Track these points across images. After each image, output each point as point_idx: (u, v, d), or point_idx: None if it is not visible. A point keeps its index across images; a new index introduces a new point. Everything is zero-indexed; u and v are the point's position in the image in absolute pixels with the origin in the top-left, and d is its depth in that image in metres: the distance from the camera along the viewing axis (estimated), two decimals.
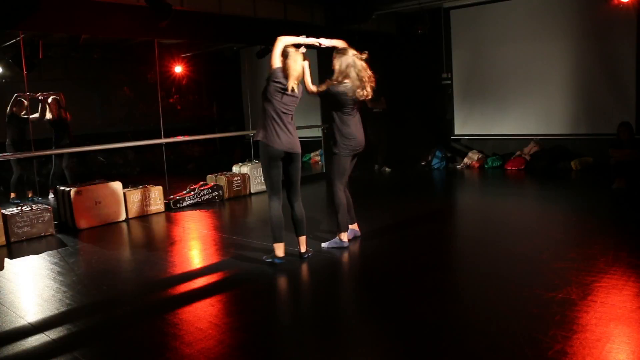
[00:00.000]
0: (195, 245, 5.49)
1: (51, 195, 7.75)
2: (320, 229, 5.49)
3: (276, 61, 4.24)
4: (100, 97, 11.43)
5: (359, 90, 4.54)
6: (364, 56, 4.57)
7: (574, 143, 8.98)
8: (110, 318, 3.56)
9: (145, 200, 6.83)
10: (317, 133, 9.74)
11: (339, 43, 4.67)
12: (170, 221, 6.56)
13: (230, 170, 8.31)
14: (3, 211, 5.75)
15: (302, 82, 4.41)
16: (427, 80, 10.45)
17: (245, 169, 8.20)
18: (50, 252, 5.28)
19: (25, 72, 6.40)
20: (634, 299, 3.32)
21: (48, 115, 7.83)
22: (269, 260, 4.46)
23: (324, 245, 4.85)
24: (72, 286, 4.18)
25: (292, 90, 4.24)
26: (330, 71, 4.64)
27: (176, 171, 9.13)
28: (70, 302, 3.81)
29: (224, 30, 8.01)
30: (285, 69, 4.22)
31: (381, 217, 5.98)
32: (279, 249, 4.43)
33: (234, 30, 8.10)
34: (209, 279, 4.23)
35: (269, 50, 8.93)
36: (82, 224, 6.21)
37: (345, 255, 4.69)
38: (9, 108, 7.62)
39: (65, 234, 6.04)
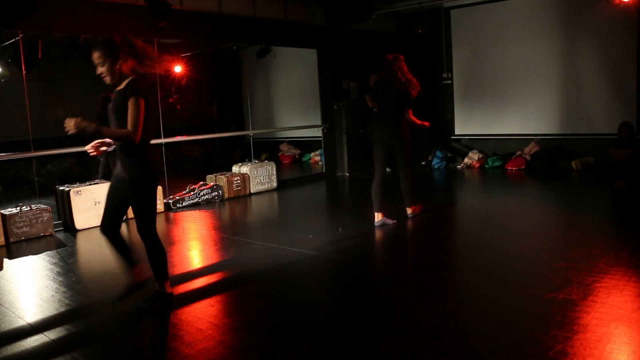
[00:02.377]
0: (195, 245, 5.48)
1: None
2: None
3: None
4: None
5: None
6: None
7: (574, 143, 8.97)
8: (110, 318, 3.56)
9: None
10: (317, 133, 9.72)
11: None
12: (170, 221, 6.55)
13: (230, 170, 8.30)
14: (2, 211, 5.74)
15: None
16: (427, 80, 10.39)
17: (245, 169, 8.18)
18: (49, 252, 5.27)
19: (24, 72, 6.39)
20: (635, 299, 3.31)
21: None
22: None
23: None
24: (71, 286, 4.17)
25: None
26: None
27: (176, 171, 9.11)
28: (69, 303, 3.80)
29: (224, 30, 8.00)
30: None
31: None
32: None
33: (234, 30, 8.09)
34: (209, 279, 4.22)
35: (269, 49, 9.07)
36: (82, 224, 6.20)
37: (345, 255, 4.68)
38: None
39: (64, 234, 6.03)
